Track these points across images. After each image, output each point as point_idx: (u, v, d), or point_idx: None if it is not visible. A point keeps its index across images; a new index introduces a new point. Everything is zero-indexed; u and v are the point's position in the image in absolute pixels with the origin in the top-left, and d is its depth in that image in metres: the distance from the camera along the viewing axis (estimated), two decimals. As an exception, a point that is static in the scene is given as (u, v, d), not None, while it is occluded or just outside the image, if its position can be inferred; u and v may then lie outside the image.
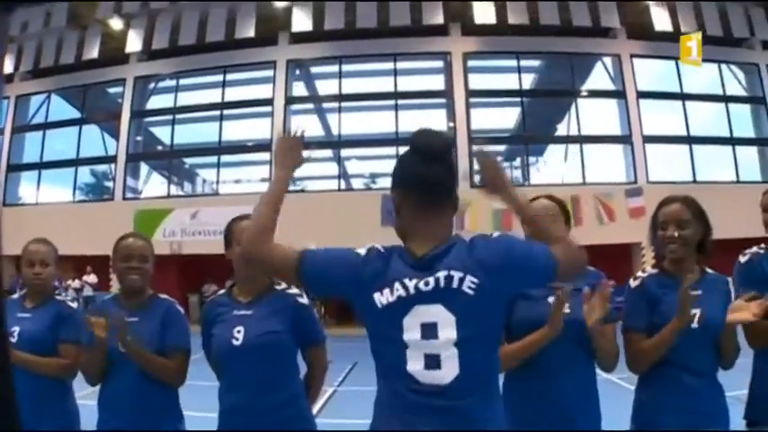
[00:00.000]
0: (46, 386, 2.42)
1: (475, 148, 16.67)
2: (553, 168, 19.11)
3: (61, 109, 20.83)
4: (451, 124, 18.12)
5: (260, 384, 2.16)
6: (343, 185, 18.97)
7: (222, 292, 2.37)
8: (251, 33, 17.75)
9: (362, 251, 1.54)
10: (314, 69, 19.80)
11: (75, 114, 20.68)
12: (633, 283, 2.21)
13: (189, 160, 20.88)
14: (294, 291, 2.29)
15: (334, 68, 18.79)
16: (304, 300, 2.29)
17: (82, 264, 17.17)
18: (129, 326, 2.27)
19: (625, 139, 18.19)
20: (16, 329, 2.44)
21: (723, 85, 18.91)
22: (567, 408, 1.99)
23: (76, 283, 17.71)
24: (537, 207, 2.07)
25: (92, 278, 17.61)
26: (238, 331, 2.18)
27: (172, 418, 2.40)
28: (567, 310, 1.98)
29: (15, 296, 2.65)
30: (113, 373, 2.34)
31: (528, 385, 2.02)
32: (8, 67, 19.38)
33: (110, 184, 20.11)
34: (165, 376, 2.34)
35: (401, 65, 18.60)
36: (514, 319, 2.03)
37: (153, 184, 20.51)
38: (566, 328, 1.96)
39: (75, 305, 2.68)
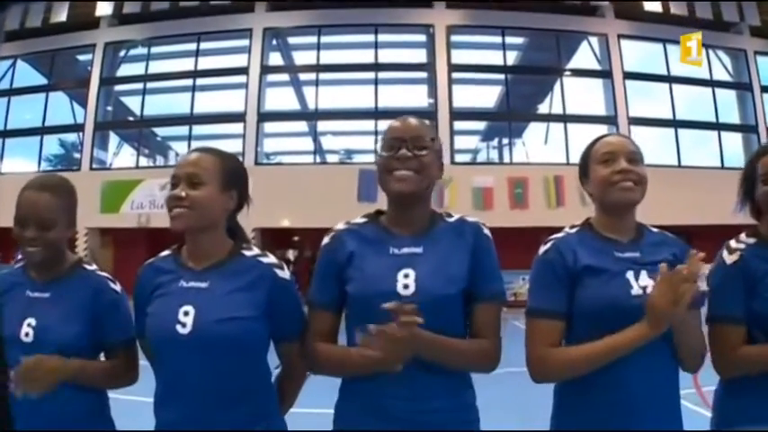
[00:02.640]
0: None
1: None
2: (533, 149, 18.70)
3: (28, 75, 19.94)
4: (431, 100, 17.62)
5: (214, 393, 1.49)
6: (319, 159, 18.38)
7: (166, 253, 1.65)
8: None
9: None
10: (292, 39, 19.11)
11: (43, 81, 19.81)
12: (729, 258, 1.65)
13: (160, 132, 20.14)
14: (271, 259, 1.61)
15: (313, 39, 18.11)
16: (285, 273, 1.60)
17: (45, 236, 16.50)
18: (40, 306, 1.65)
19: (610, 120, 17.82)
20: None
21: (710, 71, 18.62)
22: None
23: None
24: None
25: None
26: (186, 313, 1.50)
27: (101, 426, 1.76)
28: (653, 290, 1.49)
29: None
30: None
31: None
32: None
33: (78, 155, 19.37)
34: (112, 383, 1.73)
35: (382, 37, 17.98)
36: (581, 302, 1.54)
37: (123, 157, 19.80)
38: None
39: None
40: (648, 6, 17.76)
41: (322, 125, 18.42)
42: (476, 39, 18.73)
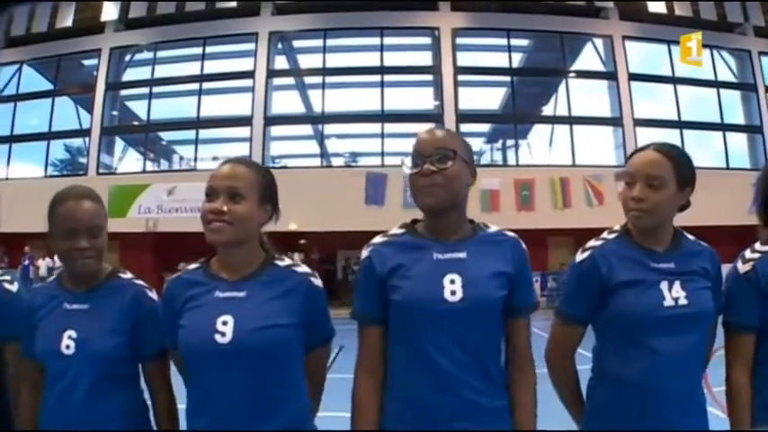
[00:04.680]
0: None
1: None
2: (538, 151, 18.73)
3: (33, 81, 19.98)
4: (437, 103, 17.67)
5: (252, 402, 1.48)
6: (325, 162, 18.42)
7: (194, 266, 1.62)
8: (233, 3, 17.12)
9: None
10: (297, 43, 19.16)
11: (48, 86, 19.84)
12: (742, 268, 1.69)
13: (166, 136, 20.16)
14: (304, 268, 1.63)
15: (319, 42, 18.16)
16: (318, 281, 1.62)
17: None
18: (79, 318, 1.64)
19: (616, 122, 17.85)
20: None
21: (715, 71, 18.64)
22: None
23: (48, 262, 17.02)
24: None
25: (64, 256, 16.93)
26: (224, 323, 1.48)
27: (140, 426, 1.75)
28: (683, 302, 1.56)
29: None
30: (54, 388, 1.64)
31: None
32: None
33: (84, 160, 19.39)
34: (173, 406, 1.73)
35: (388, 40, 18.02)
36: (614, 310, 1.59)
37: (128, 161, 19.82)
38: (685, 322, 1.56)
39: (14, 287, 1.89)
40: (653, 8, 17.81)
41: (329, 128, 18.46)
42: (481, 41, 18.78)
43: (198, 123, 18.30)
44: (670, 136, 17.79)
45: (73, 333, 1.62)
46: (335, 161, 18.94)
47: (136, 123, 19.85)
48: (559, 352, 1.69)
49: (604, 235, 1.69)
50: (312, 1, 17.07)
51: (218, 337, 1.47)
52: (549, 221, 16.12)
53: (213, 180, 1.54)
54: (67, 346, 1.61)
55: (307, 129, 19.32)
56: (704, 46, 17.73)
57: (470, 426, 1.48)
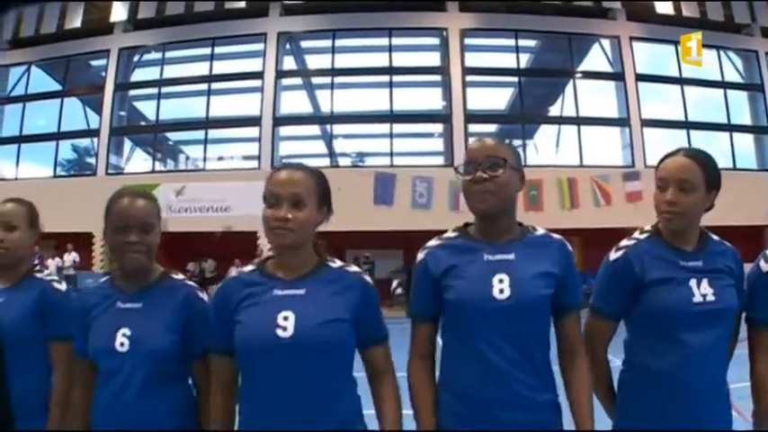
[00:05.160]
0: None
1: None
2: (544, 151, 18.76)
3: (42, 81, 20.04)
4: (445, 103, 17.71)
5: (310, 397, 1.52)
6: (333, 162, 18.45)
7: (249, 268, 1.68)
8: (241, 4, 17.16)
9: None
10: (306, 43, 19.21)
11: (57, 87, 19.90)
12: (765, 266, 1.77)
13: (174, 136, 20.22)
14: (355, 268, 1.70)
15: (328, 43, 18.21)
16: (370, 280, 1.69)
17: (63, 242, 16.56)
18: (133, 316, 1.69)
19: (623, 122, 17.88)
20: None
21: (722, 72, 18.66)
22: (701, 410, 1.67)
23: (57, 261, 17.06)
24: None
25: (73, 256, 16.97)
26: (285, 318, 1.52)
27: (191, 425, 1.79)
28: (711, 298, 1.67)
29: None
30: (107, 386, 1.69)
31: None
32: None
33: (92, 160, 19.44)
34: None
35: (396, 40, 18.05)
36: (646, 306, 1.70)
37: (135, 161, 19.89)
38: (712, 317, 1.66)
39: (63, 286, 2.00)
40: (660, 8, 17.83)
41: (337, 128, 18.51)
42: (489, 42, 18.83)
43: (207, 124, 18.34)
44: (677, 136, 17.83)
45: (127, 331, 1.68)
46: (343, 161, 18.98)
47: (143, 123, 19.91)
48: (593, 346, 1.75)
49: (636, 235, 1.78)
50: (321, 1, 17.07)
51: (279, 332, 1.51)
52: (556, 221, 16.02)
53: (275, 187, 1.59)
54: (121, 344, 1.66)
55: (314, 129, 19.37)
56: (711, 47, 17.98)
57: (519, 416, 1.56)
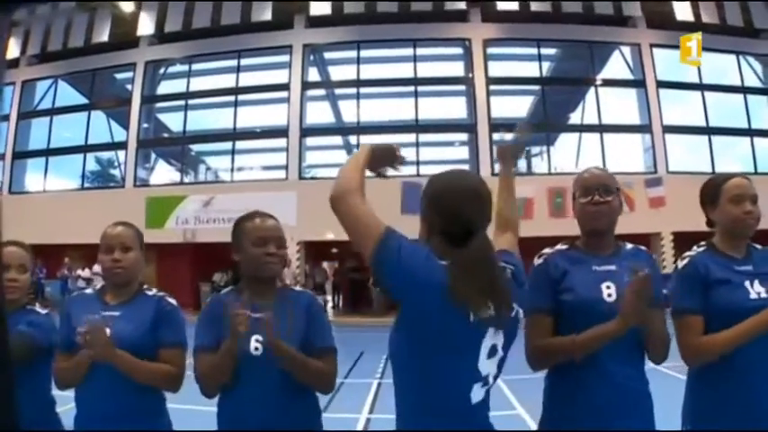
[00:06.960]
0: (145, 401, 2.03)
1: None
2: (565, 158, 18.89)
3: (68, 95, 20.33)
4: (470, 112, 17.88)
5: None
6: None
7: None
8: (267, 16, 17.39)
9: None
10: (331, 55, 19.45)
11: (83, 100, 20.19)
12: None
13: (199, 148, 20.45)
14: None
15: (353, 54, 18.44)
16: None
17: (92, 253, 16.78)
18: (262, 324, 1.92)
19: (645, 129, 18.02)
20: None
21: (741, 77, 18.79)
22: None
23: (86, 273, 17.29)
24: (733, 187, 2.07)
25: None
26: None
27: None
28: (765, 295, 1.97)
29: (89, 291, 2.22)
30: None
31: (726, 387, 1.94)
32: (14, 52, 18.89)
33: (115, 171, 19.70)
34: (316, 381, 1.97)
35: (421, 51, 18.29)
36: (713, 307, 1.98)
37: (159, 173, 20.13)
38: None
39: (174, 301, 2.19)
40: (680, 15, 17.96)
41: (364, 139, 18.69)
42: (511, 51, 19.04)
43: (234, 135, 18.60)
44: (698, 142, 17.97)
45: (259, 337, 1.91)
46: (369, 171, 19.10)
47: (166, 136, 20.15)
48: (694, 339, 1.98)
49: (695, 248, 2.11)
50: (345, 14, 17.28)
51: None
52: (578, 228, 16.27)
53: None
54: (256, 348, 1.91)
55: (337, 139, 19.56)
56: (731, 52, 18.09)
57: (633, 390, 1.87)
